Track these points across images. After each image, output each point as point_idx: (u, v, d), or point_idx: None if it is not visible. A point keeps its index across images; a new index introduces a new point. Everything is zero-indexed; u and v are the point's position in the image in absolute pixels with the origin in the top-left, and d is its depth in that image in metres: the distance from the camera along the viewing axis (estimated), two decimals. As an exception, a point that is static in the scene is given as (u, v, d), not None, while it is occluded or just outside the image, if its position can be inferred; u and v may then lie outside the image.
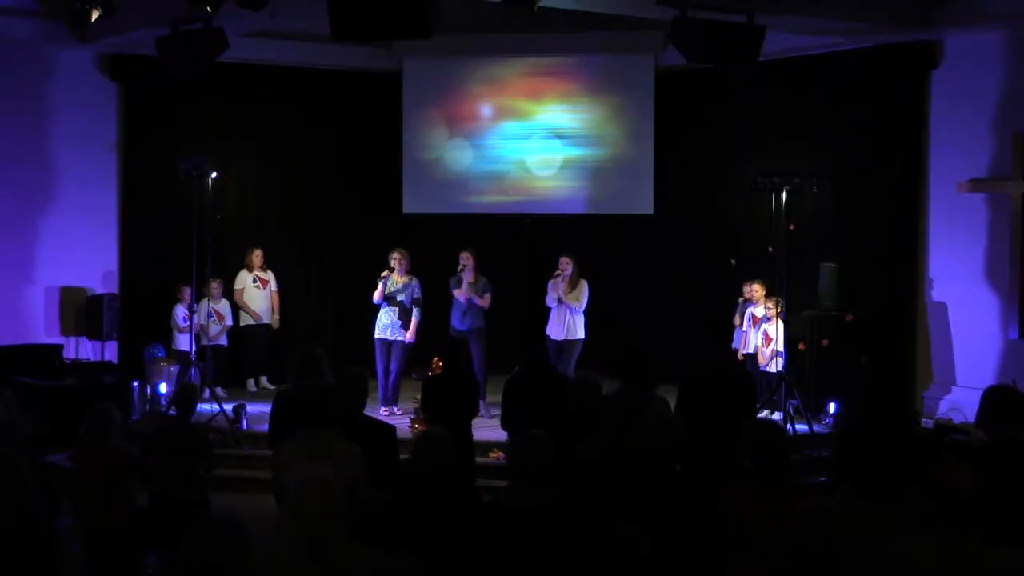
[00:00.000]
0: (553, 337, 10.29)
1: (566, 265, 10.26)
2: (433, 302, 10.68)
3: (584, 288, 10.28)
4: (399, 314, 10.17)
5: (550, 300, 10.35)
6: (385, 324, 10.22)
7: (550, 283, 10.36)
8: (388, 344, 10.24)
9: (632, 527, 3.57)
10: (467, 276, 10.14)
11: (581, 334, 10.27)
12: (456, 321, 10.26)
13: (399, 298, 10.16)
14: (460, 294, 10.19)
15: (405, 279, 10.20)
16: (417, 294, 10.23)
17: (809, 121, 11.33)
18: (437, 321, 10.55)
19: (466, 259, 10.21)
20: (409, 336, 10.24)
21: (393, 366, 10.24)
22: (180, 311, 11.07)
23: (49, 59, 11.10)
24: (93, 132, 11.47)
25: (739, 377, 6.99)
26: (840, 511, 4.00)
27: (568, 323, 10.24)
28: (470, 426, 7.33)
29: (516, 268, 12.41)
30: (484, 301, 10.22)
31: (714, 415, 6.48)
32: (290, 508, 3.71)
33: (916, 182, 10.58)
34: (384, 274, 10.14)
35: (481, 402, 9.21)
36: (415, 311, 10.20)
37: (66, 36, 10.37)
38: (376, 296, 10.19)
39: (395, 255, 10.17)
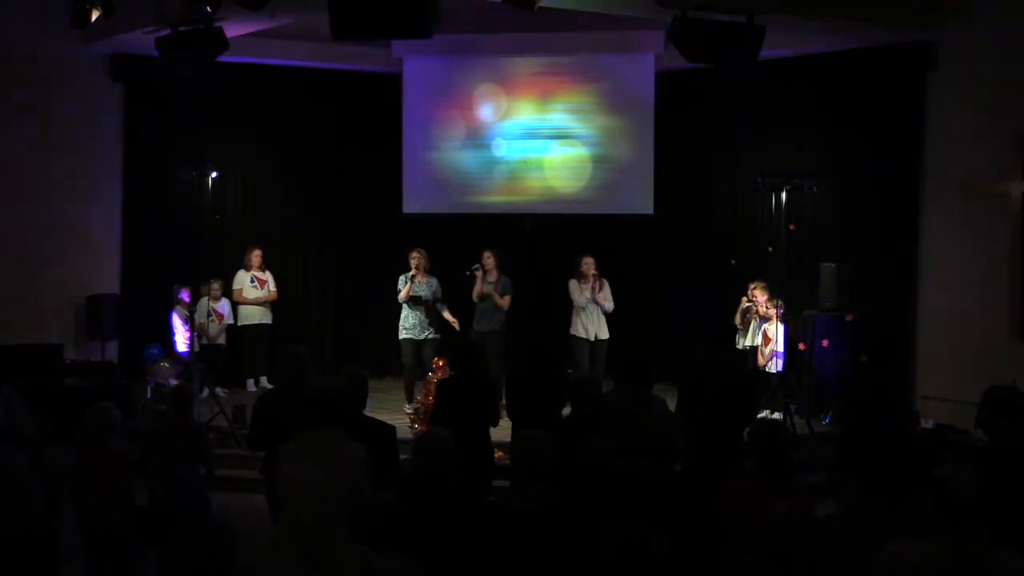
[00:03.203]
0: (585, 338, 10.27)
1: (591, 266, 10.30)
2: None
3: (608, 288, 10.35)
4: (425, 313, 10.26)
5: (580, 301, 10.30)
6: (413, 323, 10.31)
7: (572, 282, 10.34)
8: (418, 343, 10.29)
9: (647, 527, 3.57)
10: (488, 276, 10.23)
11: (608, 333, 10.34)
12: (476, 321, 10.32)
13: (423, 297, 10.22)
14: (475, 295, 10.24)
15: (426, 278, 10.26)
16: (439, 292, 10.36)
17: (809, 121, 11.33)
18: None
19: (487, 258, 10.26)
20: (454, 322, 10.41)
21: (427, 364, 10.18)
22: (181, 313, 11.06)
23: (49, 59, 11.09)
24: (93, 132, 11.47)
25: (739, 377, 6.98)
26: (841, 511, 4.00)
27: (600, 323, 10.29)
28: (488, 431, 7.15)
29: (516, 268, 12.38)
30: (504, 302, 10.23)
31: (714, 415, 6.49)
32: (285, 511, 3.72)
33: (916, 182, 10.57)
34: (411, 274, 10.21)
35: None
36: (442, 306, 10.34)
37: (66, 36, 10.36)
38: (402, 296, 10.27)
39: (414, 255, 10.25)
